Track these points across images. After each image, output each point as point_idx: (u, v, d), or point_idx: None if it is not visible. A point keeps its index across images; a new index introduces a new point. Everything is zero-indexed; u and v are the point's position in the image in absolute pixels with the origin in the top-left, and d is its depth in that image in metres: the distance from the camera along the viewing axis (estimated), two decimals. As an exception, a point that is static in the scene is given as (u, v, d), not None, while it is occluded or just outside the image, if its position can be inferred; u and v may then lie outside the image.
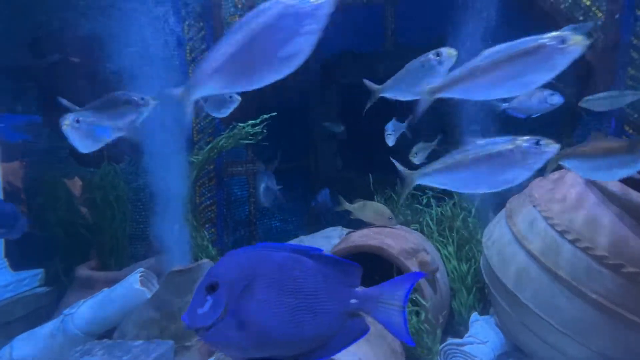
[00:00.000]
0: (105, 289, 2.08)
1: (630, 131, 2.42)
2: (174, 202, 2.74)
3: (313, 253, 1.02)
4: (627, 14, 2.33)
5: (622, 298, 1.51)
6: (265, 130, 2.94)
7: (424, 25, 3.40)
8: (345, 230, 3.29)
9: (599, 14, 2.40)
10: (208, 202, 3.17)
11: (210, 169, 3.17)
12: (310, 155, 4.08)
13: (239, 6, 2.99)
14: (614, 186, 1.59)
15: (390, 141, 2.70)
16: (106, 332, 1.99)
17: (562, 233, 1.70)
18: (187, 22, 2.96)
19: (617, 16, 2.32)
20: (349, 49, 3.89)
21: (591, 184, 1.71)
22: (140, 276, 2.04)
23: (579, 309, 1.60)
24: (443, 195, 2.90)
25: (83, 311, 1.98)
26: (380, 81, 4.04)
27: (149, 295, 1.97)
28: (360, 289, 1.05)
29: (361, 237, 2.17)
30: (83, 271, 2.45)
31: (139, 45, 2.90)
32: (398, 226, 2.48)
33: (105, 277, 2.33)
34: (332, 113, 4.12)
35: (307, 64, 3.69)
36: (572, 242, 1.66)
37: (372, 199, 3.28)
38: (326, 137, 4.08)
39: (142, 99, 2.09)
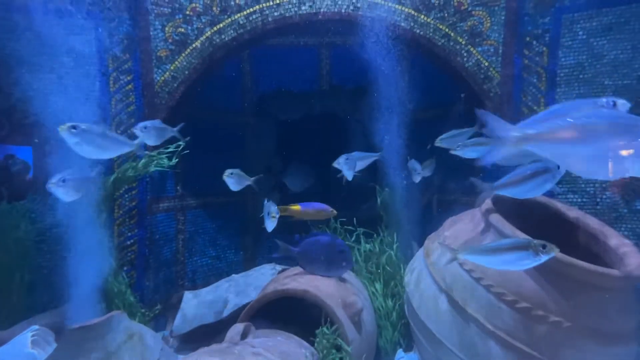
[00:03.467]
0: (-13, 354, 1.77)
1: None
2: (86, 242, 2.49)
3: None
4: (516, 76, 2.74)
5: (519, 332, 1.66)
6: (183, 162, 2.86)
7: (356, 69, 3.64)
8: (278, 267, 3.24)
9: (495, 74, 2.79)
10: (128, 242, 2.92)
11: (132, 206, 2.95)
12: (245, 190, 4.03)
13: (170, 40, 2.95)
14: (507, 228, 1.79)
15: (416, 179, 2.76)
16: (-17, 407, 1.68)
17: (468, 271, 1.85)
18: (111, 53, 2.82)
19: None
20: (286, 87, 4.02)
21: (490, 225, 1.90)
22: (33, 336, 1.78)
23: (484, 343, 1.72)
24: (372, 231, 3.02)
25: (-47, 384, 1.65)
26: (316, 118, 4.20)
27: (42, 359, 1.72)
28: None
29: (288, 280, 2.15)
30: (-40, 331, 2.06)
31: (54, 72, 2.69)
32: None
33: (-11, 339, 1.98)
34: (269, 148, 4.16)
35: (244, 99, 3.70)
36: (477, 280, 1.81)
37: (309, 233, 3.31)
38: (262, 171, 4.07)
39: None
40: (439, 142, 2.47)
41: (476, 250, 1.59)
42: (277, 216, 2.11)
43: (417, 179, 2.80)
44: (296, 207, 2.47)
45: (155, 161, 2.72)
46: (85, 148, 1.85)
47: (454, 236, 2.04)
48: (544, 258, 1.43)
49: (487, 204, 1.98)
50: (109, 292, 2.58)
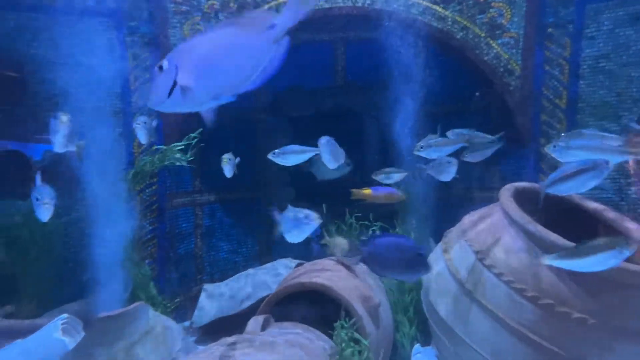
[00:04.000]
0: (19, 340, 1.85)
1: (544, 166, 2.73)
2: (109, 236, 2.57)
3: None
4: (538, 69, 2.68)
5: (541, 328, 1.64)
6: (200, 158, 2.92)
7: (372, 64, 3.62)
8: (295, 262, 3.27)
9: (516, 67, 2.73)
10: (149, 236, 3.00)
11: (152, 201, 3.02)
12: (261, 185, 4.06)
13: (188, 38, 2.99)
14: (530, 223, 1.76)
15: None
16: (18, 391, 1.76)
17: (488, 267, 1.84)
18: (132, 51, 2.89)
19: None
20: (300, 83, 4.02)
21: (512, 221, 1.88)
22: (63, 324, 1.84)
23: (504, 339, 1.71)
24: (387, 225, 3.01)
25: (-10, 368, 1.74)
26: (330, 115, 4.19)
27: (71, 346, 1.79)
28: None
29: (307, 274, 2.17)
30: (-5, 319, 2.17)
31: (77, 71, 2.77)
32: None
33: (20, 326, 2.07)
34: (283, 145, 4.18)
35: (258, 96, 3.73)
36: (497, 275, 1.79)
37: (325, 229, 3.32)
38: (277, 167, 4.10)
39: None
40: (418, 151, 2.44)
41: (562, 255, 1.50)
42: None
43: (448, 176, 2.56)
44: (367, 191, 2.52)
45: (170, 155, 2.80)
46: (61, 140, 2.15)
47: (474, 232, 2.02)
48: (626, 254, 1.40)
49: (507, 198, 1.95)
50: (132, 284, 2.65)
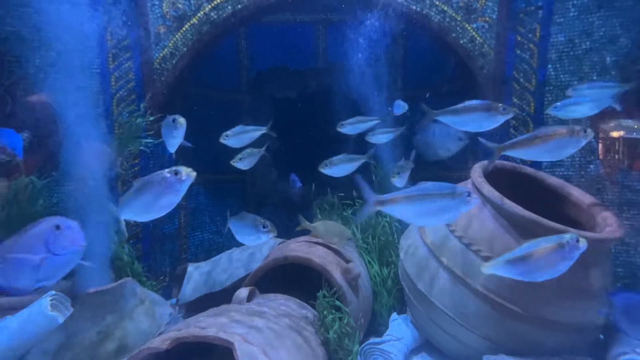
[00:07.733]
0: (9, 316, 1.89)
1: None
2: (93, 216, 2.58)
3: None
4: (509, 52, 2.80)
5: (501, 289, 1.81)
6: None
7: (351, 46, 3.65)
8: (278, 241, 3.36)
9: (489, 51, 2.85)
10: (133, 217, 3.02)
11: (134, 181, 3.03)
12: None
13: (167, 17, 2.95)
14: (489, 192, 1.91)
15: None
16: (10, 365, 1.81)
17: (459, 238, 1.99)
18: (109, 29, 2.83)
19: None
20: (283, 64, 4.04)
21: (476, 190, 2.02)
22: (52, 300, 1.90)
23: (473, 303, 1.88)
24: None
25: (-20, 343, 1.78)
26: (312, 96, 4.23)
27: (61, 321, 1.85)
28: None
29: (290, 249, 2.27)
30: (-19, 298, 2.18)
31: (56, 46, 2.70)
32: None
33: (10, 303, 2.10)
34: (265, 126, 4.21)
35: (241, 77, 3.74)
36: (467, 245, 1.95)
37: (310, 210, 3.40)
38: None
39: None
40: (340, 127, 2.63)
41: None
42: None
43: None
44: None
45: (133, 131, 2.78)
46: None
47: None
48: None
49: (477, 174, 2.09)
50: (118, 262, 2.70)
